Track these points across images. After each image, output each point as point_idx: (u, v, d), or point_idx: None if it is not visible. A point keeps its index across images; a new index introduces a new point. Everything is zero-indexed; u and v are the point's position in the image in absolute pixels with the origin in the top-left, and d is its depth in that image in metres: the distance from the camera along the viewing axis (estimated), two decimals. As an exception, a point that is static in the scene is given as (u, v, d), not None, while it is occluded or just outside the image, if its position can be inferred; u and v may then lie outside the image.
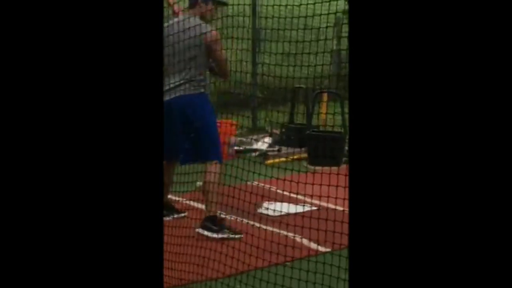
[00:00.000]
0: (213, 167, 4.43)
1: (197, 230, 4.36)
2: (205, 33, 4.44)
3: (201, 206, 4.67)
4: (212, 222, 4.43)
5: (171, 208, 4.91)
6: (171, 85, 4.47)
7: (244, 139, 7.55)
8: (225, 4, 4.67)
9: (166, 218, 4.77)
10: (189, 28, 4.33)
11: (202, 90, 4.56)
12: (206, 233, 4.36)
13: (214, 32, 4.51)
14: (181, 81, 4.47)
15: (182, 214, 4.84)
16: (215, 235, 4.35)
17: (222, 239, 4.28)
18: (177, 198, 5.14)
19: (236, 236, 4.32)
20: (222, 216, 4.49)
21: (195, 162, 4.65)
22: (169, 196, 5.02)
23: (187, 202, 5.07)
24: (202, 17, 4.56)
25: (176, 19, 4.57)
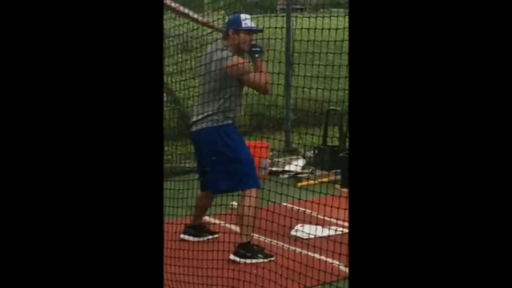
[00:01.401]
0: (251, 191, 4.37)
1: (230, 257, 4.34)
2: (226, 61, 4.37)
3: (235, 228, 4.66)
4: (246, 248, 4.38)
5: (204, 230, 4.91)
6: (202, 115, 4.45)
7: (277, 161, 7.56)
8: (258, 31, 4.57)
9: (199, 239, 4.78)
10: (216, 60, 4.32)
11: (230, 122, 4.46)
12: (238, 259, 4.33)
13: (234, 58, 4.39)
14: (209, 113, 4.43)
15: (215, 236, 4.83)
16: (248, 261, 4.32)
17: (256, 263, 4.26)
18: (211, 220, 5.14)
19: (266, 259, 4.30)
20: (255, 239, 4.46)
21: (230, 192, 4.64)
22: (205, 218, 5.03)
23: (222, 223, 5.06)
24: (236, 49, 4.44)
25: (209, 50, 4.55)
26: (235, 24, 4.45)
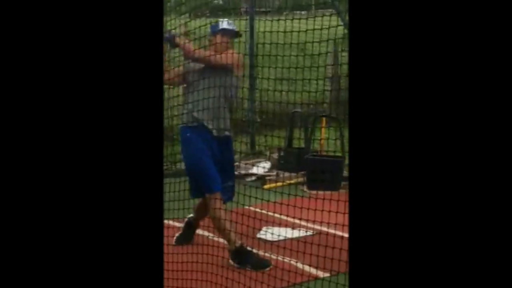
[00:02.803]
0: (211, 202, 4.32)
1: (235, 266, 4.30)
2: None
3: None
4: (238, 256, 4.33)
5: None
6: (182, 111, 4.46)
7: (242, 164, 7.57)
8: (238, 35, 4.56)
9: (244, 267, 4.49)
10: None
11: (195, 124, 4.38)
12: (238, 266, 4.28)
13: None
14: (184, 111, 4.43)
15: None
16: (248, 267, 4.24)
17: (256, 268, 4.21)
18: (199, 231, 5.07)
19: (258, 270, 4.20)
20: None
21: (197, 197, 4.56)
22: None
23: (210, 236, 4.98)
24: (215, 50, 4.39)
25: None
26: (213, 28, 4.48)
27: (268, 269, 4.17)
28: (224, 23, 4.46)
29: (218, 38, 4.39)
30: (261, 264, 4.24)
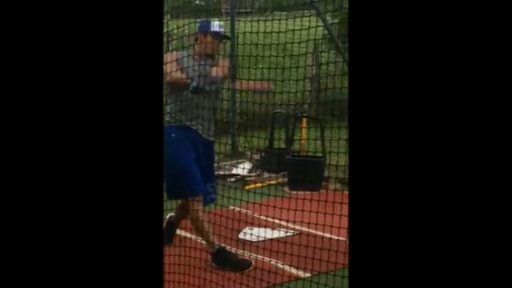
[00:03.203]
0: (191, 204, 4.31)
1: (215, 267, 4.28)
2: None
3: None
4: (218, 258, 4.32)
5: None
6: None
7: (223, 165, 7.56)
8: (226, 38, 4.56)
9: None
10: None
11: (177, 124, 4.36)
12: (218, 267, 4.27)
13: (168, 53, 4.38)
14: (167, 110, 4.41)
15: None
16: (227, 269, 4.23)
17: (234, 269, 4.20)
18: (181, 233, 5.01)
19: (238, 271, 4.20)
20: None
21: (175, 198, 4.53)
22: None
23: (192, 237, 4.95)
24: (202, 54, 4.34)
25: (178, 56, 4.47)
26: (203, 28, 4.41)
27: (248, 270, 4.16)
28: (215, 25, 4.41)
29: (208, 38, 4.35)
30: (241, 265, 4.23)
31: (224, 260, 4.27)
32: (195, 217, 4.29)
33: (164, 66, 4.23)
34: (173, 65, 4.24)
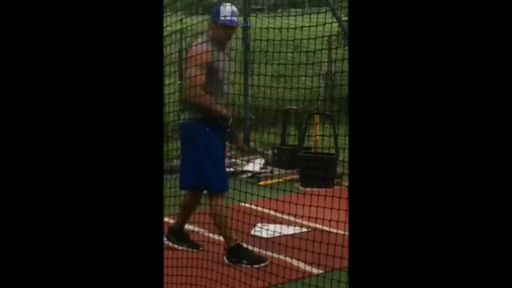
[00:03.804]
0: (215, 200, 4.33)
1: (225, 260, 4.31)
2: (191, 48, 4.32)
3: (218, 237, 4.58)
4: (234, 253, 4.34)
5: (184, 237, 4.71)
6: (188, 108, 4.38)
7: (236, 161, 7.56)
8: (233, 27, 4.41)
9: (176, 246, 4.58)
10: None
11: (199, 116, 4.33)
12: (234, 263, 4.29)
13: (194, 48, 4.32)
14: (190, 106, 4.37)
15: (196, 249, 4.53)
16: (244, 263, 4.27)
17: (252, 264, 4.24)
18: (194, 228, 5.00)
19: (253, 266, 4.24)
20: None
21: (198, 188, 4.51)
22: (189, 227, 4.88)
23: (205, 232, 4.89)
24: (216, 42, 4.29)
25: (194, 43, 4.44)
26: (214, 15, 4.33)
27: (263, 264, 4.18)
28: (227, 12, 4.27)
29: (219, 30, 4.28)
30: (256, 261, 4.25)
31: (240, 256, 4.29)
32: (219, 212, 4.30)
33: (190, 64, 4.22)
34: (202, 76, 4.20)
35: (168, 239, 4.62)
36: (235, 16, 4.34)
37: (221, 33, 4.29)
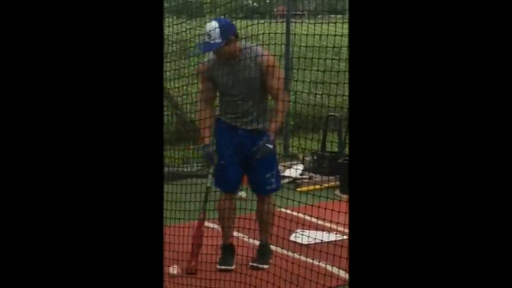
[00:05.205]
0: (268, 197, 4.38)
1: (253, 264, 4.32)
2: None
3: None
4: (266, 250, 4.40)
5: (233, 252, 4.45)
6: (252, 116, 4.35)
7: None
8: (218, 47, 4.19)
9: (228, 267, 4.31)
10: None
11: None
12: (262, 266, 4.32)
13: (264, 51, 4.32)
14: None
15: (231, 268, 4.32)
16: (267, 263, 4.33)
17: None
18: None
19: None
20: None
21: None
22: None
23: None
24: (228, 56, 4.22)
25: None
26: (234, 30, 4.24)
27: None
28: (204, 38, 4.14)
29: (238, 44, 4.22)
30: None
31: (268, 256, 4.34)
32: (272, 211, 4.32)
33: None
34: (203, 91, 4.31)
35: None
36: (213, 34, 4.10)
37: (239, 47, 4.23)
